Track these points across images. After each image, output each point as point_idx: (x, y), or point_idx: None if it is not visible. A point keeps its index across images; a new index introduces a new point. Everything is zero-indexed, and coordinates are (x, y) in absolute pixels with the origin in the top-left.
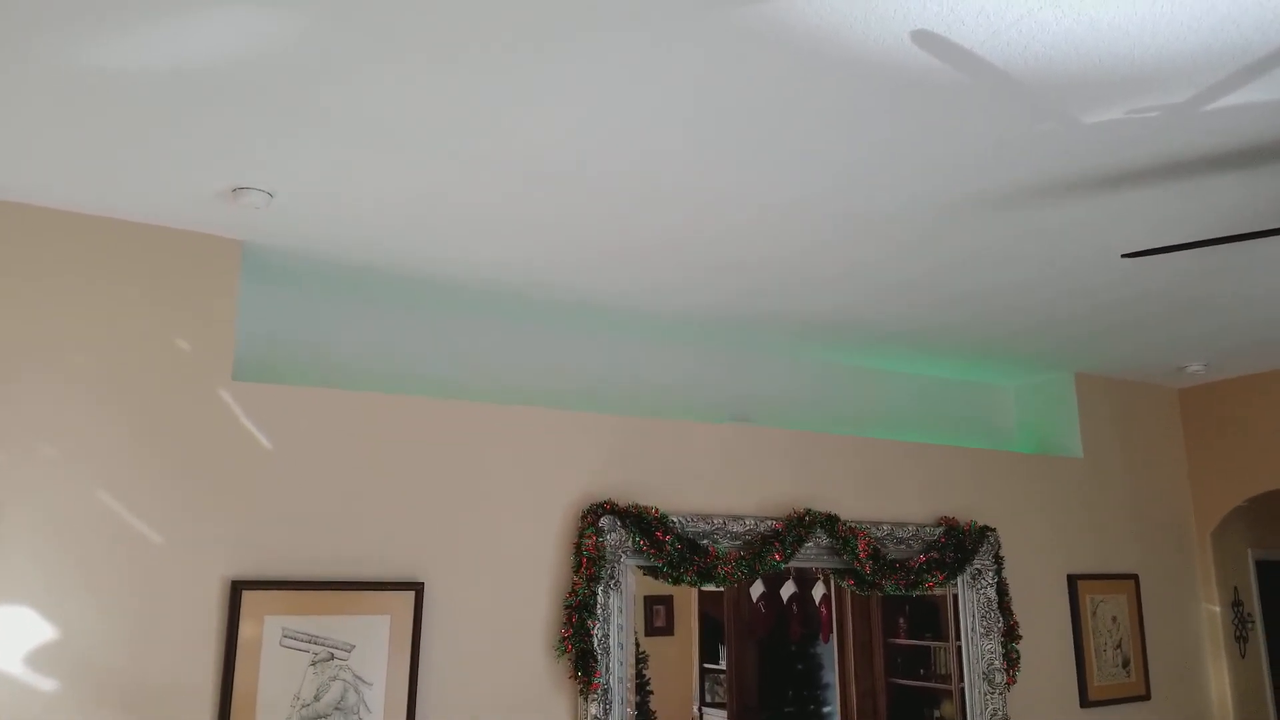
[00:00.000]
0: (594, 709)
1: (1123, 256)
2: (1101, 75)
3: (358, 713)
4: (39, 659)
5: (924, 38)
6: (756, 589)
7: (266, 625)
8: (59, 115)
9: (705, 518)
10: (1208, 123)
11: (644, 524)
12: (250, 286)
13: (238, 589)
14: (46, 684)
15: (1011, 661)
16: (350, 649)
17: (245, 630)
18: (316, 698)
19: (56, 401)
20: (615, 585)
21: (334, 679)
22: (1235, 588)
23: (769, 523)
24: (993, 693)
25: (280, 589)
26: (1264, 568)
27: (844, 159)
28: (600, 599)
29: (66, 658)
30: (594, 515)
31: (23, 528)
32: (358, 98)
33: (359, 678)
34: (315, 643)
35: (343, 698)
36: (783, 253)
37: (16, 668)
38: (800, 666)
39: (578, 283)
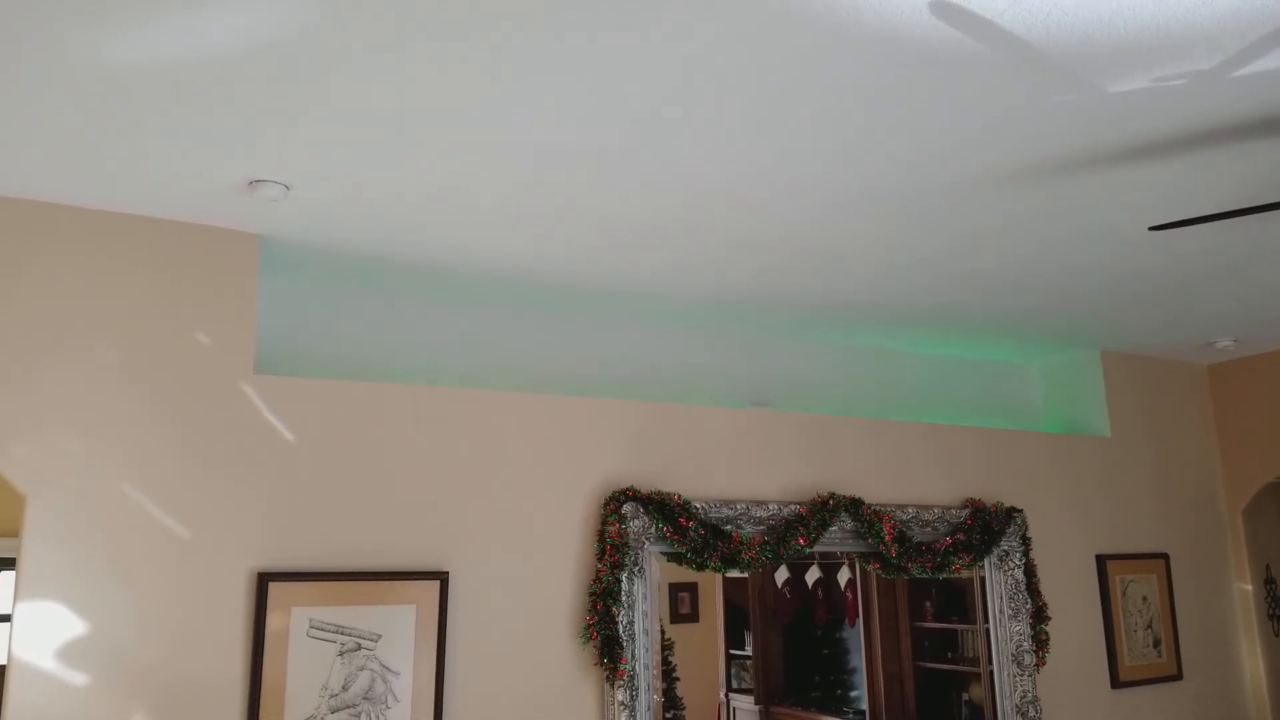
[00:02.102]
0: (620, 695)
1: (1150, 229)
2: (1126, 42)
3: (385, 702)
4: (69, 653)
5: (942, 8)
6: (781, 575)
7: (294, 616)
8: (76, 111)
9: (728, 503)
10: (1236, 90)
11: (667, 510)
12: (269, 280)
13: (264, 581)
14: (77, 678)
15: (1040, 643)
16: (377, 639)
17: (273, 621)
18: (345, 687)
19: (80, 396)
20: (639, 572)
21: (361, 669)
22: (1267, 565)
23: (793, 507)
24: (1022, 674)
25: (306, 580)
26: None
27: (861, 135)
28: (624, 586)
29: (96, 651)
30: (616, 502)
31: (49, 521)
32: (372, 87)
33: (386, 667)
34: (342, 633)
35: (370, 687)
36: (800, 232)
37: (47, 662)
38: (826, 651)
39: (595, 268)
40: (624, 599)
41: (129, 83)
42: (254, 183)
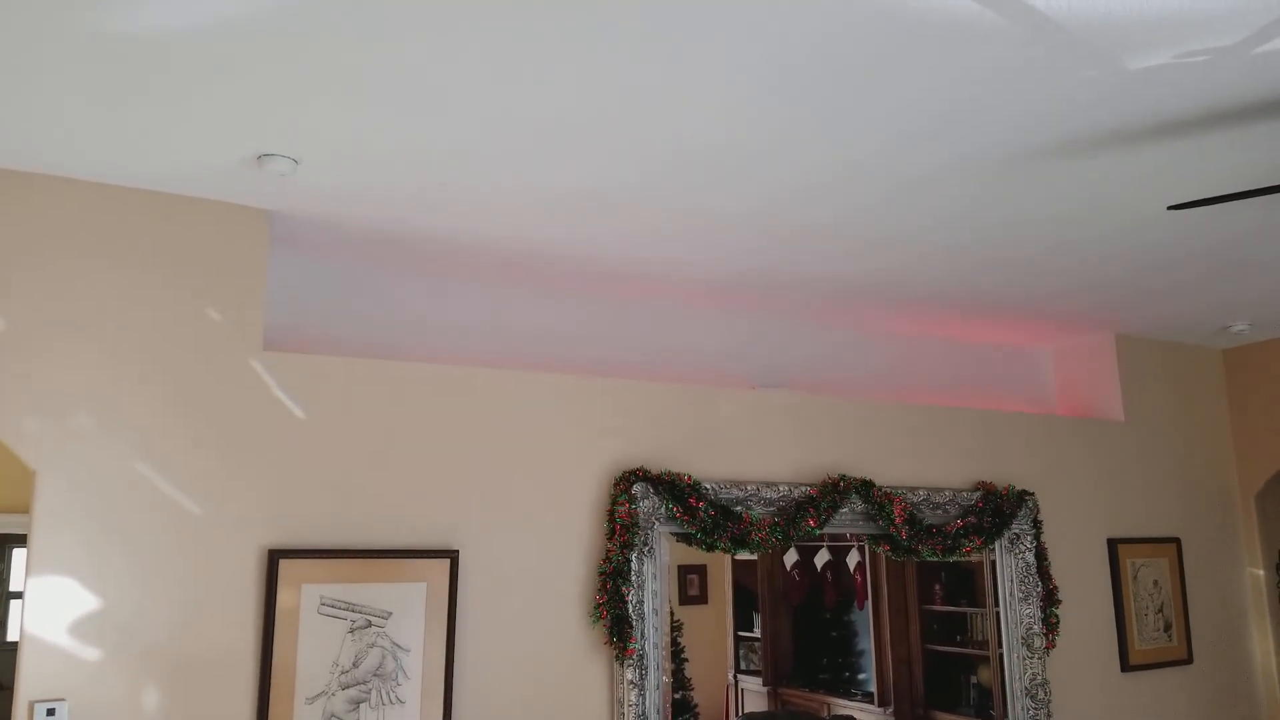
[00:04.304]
0: (630, 674)
1: (1169, 208)
2: (1148, 16)
3: (396, 679)
4: (81, 629)
5: None
6: (790, 557)
7: (304, 593)
8: (84, 85)
9: (738, 484)
10: (1259, 66)
11: (677, 491)
12: (279, 256)
13: (275, 558)
14: (89, 654)
15: (1051, 626)
16: (387, 616)
17: (283, 599)
18: (355, 664)
19: (91, 372)
20: (649, 552)
21: (372, 646)
22: (1279, 551)
23: (803, 489)
24: (1031, 657)
25: (317, 557)
26: None
27: (872, 110)
28: (634, 566)
29: (108, 628)
30: (627, 482)
31: (62, 498)
32: (381, 59)
33: (396, 644)
34: (353, 610)
35: (381, 664)
36: (809, 212)
37: (60, 638)
38: (835, 634)
39: (607, 247)
40: (634, 579)
41: (137, 55)
42: (262, 157)
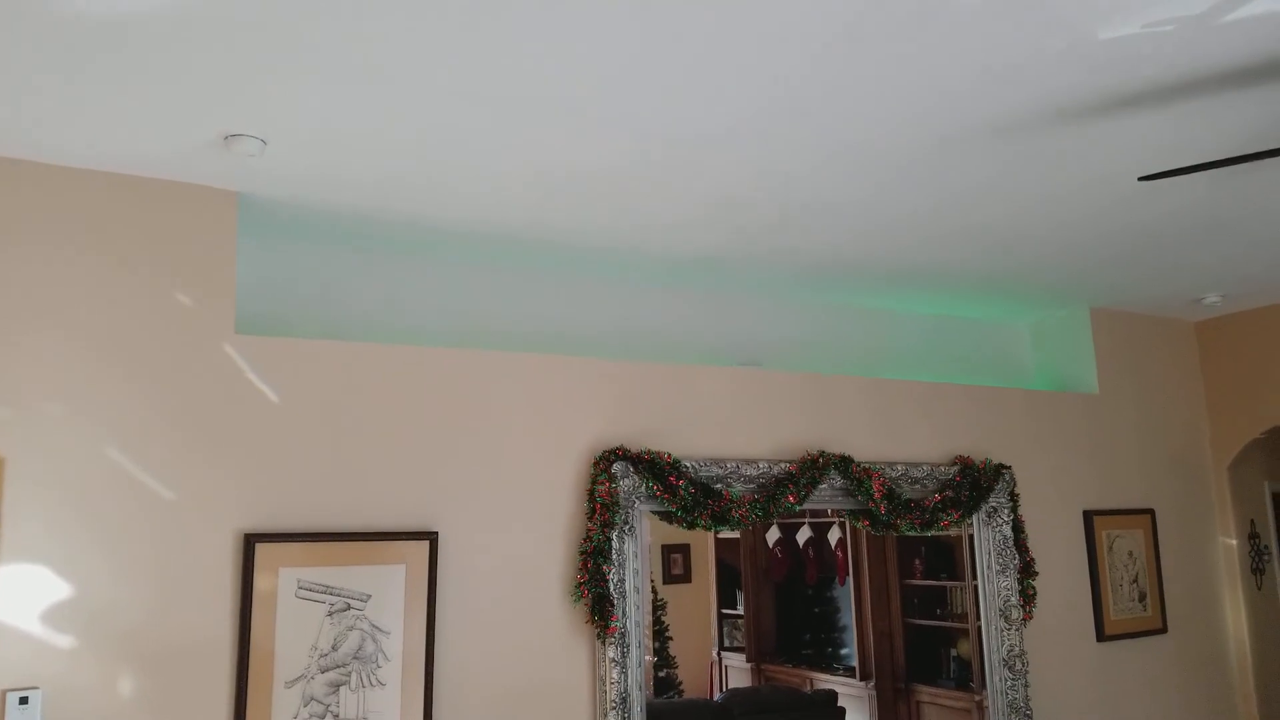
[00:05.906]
0: (612, 652)
1: (1139, 179)
2: None
3: (376, 661)
4: (55, 617)
5: None
6: (772, 535)
7: (281, 577)
8: (46, 65)
9: (718, 462)
10: (1226, 35)
11: (657, 469)
12: (249, 238)
13: (251, 542)
14: (63, 641)
15: (1028, 598)
16: (366, 599)
17: (260, 583)
18: (334, 647)
19: (61, 358)
20: (630, 531)
21: (351, 629)
22: (1252, 520)
23: (783, 465)
24: (1009, 629)
25: (294, 541)
26: None
27: (845, 86)
28: (615, 544)
29: (82, 615)
30: (606, 461)
31: (32, 485)
32: (351, 35)
33: (376, 627)
34: (331, 593)
35: (360, 647)
36: (784, 187)
37: (33, 626)
38: (817, 609)
39: (582, 224)
40: (615, 557)
41: (100, 34)
42: (230, 137)
